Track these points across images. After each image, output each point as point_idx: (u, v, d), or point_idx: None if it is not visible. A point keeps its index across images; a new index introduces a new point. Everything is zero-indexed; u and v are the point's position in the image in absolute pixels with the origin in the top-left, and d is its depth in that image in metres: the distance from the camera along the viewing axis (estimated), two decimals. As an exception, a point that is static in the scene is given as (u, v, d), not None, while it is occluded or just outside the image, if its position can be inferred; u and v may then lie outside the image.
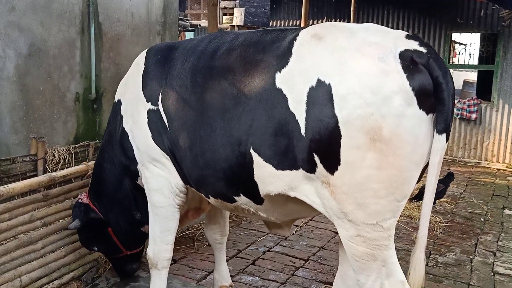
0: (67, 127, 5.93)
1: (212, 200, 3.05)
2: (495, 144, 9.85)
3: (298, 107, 2.39)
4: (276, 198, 2.68)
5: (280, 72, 2.49)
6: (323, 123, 2.31)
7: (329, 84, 2.31)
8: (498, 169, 9.60)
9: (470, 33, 10.34)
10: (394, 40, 2.36)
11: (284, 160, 2.49)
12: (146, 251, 3.48)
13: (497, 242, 5.68)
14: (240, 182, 2.74)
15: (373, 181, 2.29)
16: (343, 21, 9.95)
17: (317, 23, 11.39)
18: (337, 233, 5.69)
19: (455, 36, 10.49)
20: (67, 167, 5.24)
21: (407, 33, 2.46)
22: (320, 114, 2.32)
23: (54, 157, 5.24)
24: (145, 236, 3.93)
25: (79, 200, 3.79)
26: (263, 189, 2.66)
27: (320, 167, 2.39)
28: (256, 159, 2.58)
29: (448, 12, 10.09)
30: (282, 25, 12.05)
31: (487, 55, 10.13)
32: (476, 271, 4.84)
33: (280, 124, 2.45)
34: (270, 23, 11.91)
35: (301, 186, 2.52)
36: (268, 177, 2.57)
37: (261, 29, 2.98)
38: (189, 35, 12.81)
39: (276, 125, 2.47)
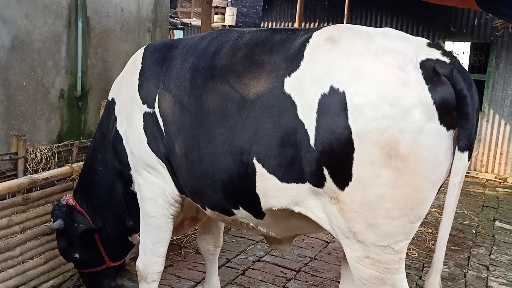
0: (50, 125, 5.67)
1: (208, 211, 2.86)
2: (484, 154, 9.81)
3: (307, 116, 2.21)
4: (278, 213, 2.50)
5: (289, 76, 2.31)
6: (334, 134, 2.14)
7: (343, 92, 2.13)
8: (487, 180, 9.56)
9: (463, 42, 10.29)
10: (415, 48, 2.19)
11: (290, 172, 2.30)
12: (136, 263, 3.26)
13: (489, 255, 5.59)
14: (240, 194, 2.55)
15: (386, 200, 2.13)
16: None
17: (310, 26, 11.25)
18: (328, 242, 5.58)
19: (448, 45, 10.43)
20: (49, 168, 5.01)
21: (428, 41, 2.29)
22: (332, 124, 2.14)
23: (36, 156, 5.00)
24: (131, 246, 3.71)
25: (62, 201, 3.53)
26: (265, 203, 2.47)
27: (329, 182, 2.21)
28: (260, 170, 2.39)
29: (442, 19, 10.04)
30: (273, 27, 11.88)
31: (479, 64, 10.09)
32: (470, 286, 4.72)
33: (287, 133, 2.27)
34: (262, 24, 11.74)
35: (307, 201, 2.35)
36: (272, 190, 2.39)
37: (268, 28, 2.74)
38: (179, 34, 12.59)
39: (282, 134, 2.28)
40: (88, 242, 3.50)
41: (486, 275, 5.01)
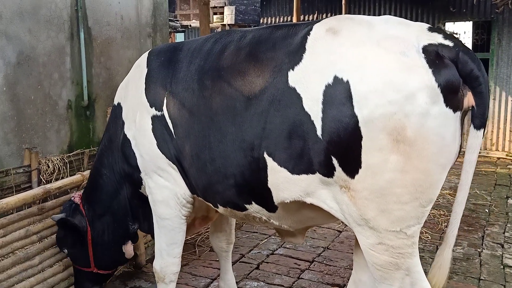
0: (60, 136, 5.79)
1: (221, 209, 2.92)
2: (493, 133, 9.77)
3: (313, 107, 2.25)
4: (290, 205, 2.55)
5: (293, 70, 2.35)
6: (341, 123, 2.17)
7: (347, 81, 2.17)
8: (498, 158, 9.52)
9: (463, 22, 10.24)
10: (416, 33, 2.22)
11: (299, 163, 2.35)
12: (153, 265, 3.34)
13: (503, 233, 5.59)
14: (252, 189, 2.60)
15: (396, 185, 2.16)
16: (335, 15, 9.82)
17: (309, 18, 11.27)
18: (340, 232, 5.63)
19: (448, 26, 10.37)
20: (62, 177, 5.10)
21: (429, 25, 2.31)
22: (338, 113, 2.18)
23: (48, 167, 5.11)
24: (122, 259, 3.72)
25: (72, 197, 3.68)
26: (278, 196, 2.52)
27: (338, 171, 2.25)
28: (271, 163, 2.44)
29: (440, 1, 9.99)
30: (272, 22, 11.92)
31: (481, 43, 10.04)
32: (485, 264, 4.74)
33: (294, 125, 2.31)
34: (261, 21, 11.78)
35: (318, 191, 2.39)
36: (283, 182, 2.44)
37: (269, 25, 2.79)
38: (180, 37, 12.66)
39: (290, 127, 2.33)
40: (80, 242, 3.56)
41: (501, 253, 5.02)
